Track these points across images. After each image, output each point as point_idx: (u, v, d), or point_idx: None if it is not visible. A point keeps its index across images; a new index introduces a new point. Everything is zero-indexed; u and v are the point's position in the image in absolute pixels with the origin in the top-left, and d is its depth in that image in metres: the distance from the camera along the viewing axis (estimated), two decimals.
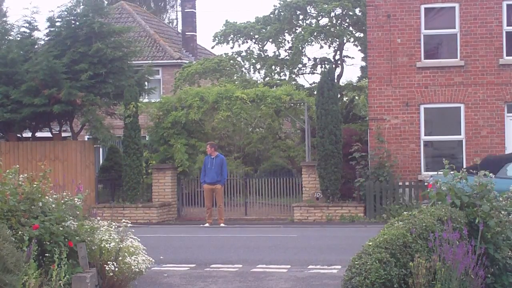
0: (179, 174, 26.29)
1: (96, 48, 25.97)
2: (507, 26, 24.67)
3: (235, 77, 33.34)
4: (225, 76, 32.78)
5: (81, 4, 27.26)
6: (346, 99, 33.65)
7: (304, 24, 32.11)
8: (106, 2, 35.09)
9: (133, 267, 11.50)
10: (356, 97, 33.27)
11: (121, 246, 11.53)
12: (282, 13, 32.02)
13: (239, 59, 33.70)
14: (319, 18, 31.79)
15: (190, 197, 27.37)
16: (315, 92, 26.60)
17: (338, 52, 33.04)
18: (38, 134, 28.58)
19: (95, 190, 26.19)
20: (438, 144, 25.36)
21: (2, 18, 28.63)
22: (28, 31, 27.71)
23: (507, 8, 24.70)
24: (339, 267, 13.63)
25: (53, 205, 10.88)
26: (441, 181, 11.08)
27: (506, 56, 24.65)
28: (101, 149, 31.93)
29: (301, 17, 32.33)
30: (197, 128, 26.85)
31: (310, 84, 32.78)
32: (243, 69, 34.38)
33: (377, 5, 25.22)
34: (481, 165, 20.83)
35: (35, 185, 10.82)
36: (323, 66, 32.49)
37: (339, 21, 32.02)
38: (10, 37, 27.71)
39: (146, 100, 29.17)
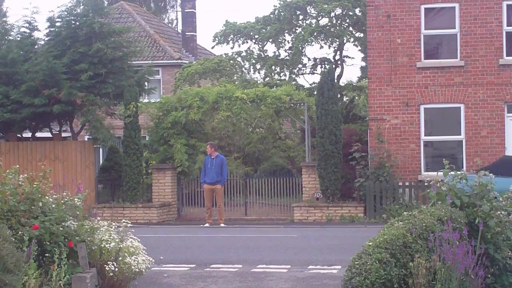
0: (179, 174, 26.29)
1: (96, 48, 25.97)
2: (507, 26, 24.67)
3: (235, 77, 33.35)
4: (225, 76, 32.77)
5: (81, 4, 27.26)
6: (346, 99, 33.66)
7: (304, 24, 32.11)
8: (106, 2, 35.09)
9: (133, 267, 11.50)
10: (356, 97, 33.28)
11: (121, 246, 11.53)
12: (282, 13, 32.01)
13: (239, 59, 33.70)
14: (319, 18, 31.79)
15: (190, 197, 27.37)
16: (315, 92, 26.60)
17: (338, 52, 33.04)
18: (38, 134, 28.57)
19: (95, 190, 26.19)
20: (438, 144, 25.35)
21: (2, 18, 28.62)
22: (28, 31, 27.71)
23: (507, 8, 24.70)
24: (339, 267, 13.63)
25: (53, 205, 10.88)
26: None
27: (506, 56, 24.65)
28: (101, 149, 31.93)
29: (301, 17, 32.33)
30: (197, 128, 26.85)
31: (310, 84, 32.77)
32: (243, 69, 34.38)
33: (377, 5, 25.22)
34: (496, 166, 20.88)
35: (35, 185, 10.83)
36: (323, 66, 32.49)
37: (339, 21, 32.02)
38: (10, 37, 27.71)
39: (146, 100, 29.17)
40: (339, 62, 32.99)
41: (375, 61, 25.26)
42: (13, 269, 8.75)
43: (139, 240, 12.14)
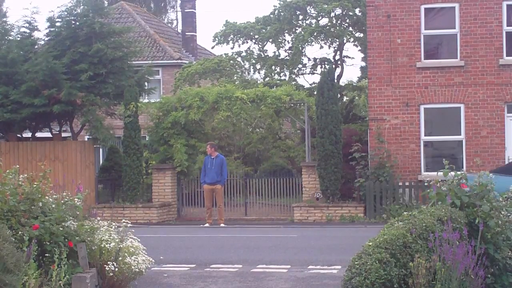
0: (179, 174, 26.30)
1: (96, 48, 25.97)
2: (507, 26, 24.67)
3: (235, 78, 33.35)
4: (225, 76, 32.77)
5: (81, 4, 27.26)
6: (346, 99, 33.66)
7: (304, 24, 32.11)
8: (106, 2, 35.12)
9: (133, 267, 11.50)
10: (356, 97, 33.27)
11: (121, 246, 11.53)
12: (282, 13, 32.02)
13: (239, 59, 33.71)
14: (319, 18, 31.79)
15: (190, 197, 27.37)
16: (315, 92, 26.60)
17: (338, 52, 33.04)
18: (38, 134, 28.57)
19: (95, 190, 26.19)
20: (438, 144, 25.35)
21: (2, 18, 28.62)
22: (28, 31, 27.71)
23: (507, 8, 24.69)
24: (339, 267, 13.63)
25: (53, 205, 10.88)
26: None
27: (506, 56, 24.65)
28: (101, 149, 31.93)
29: (301, 17, 32.33)
30: (197, 128, 26.85)
31: (310, 84, 32.78)
32: (243, 69, 34.38)
33: (377, 5, 25.22)
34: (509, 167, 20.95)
35: (35, 185, 10.83)
36: (323, 66, 32.49)
37: (339, 21, 32.02)
38: (10, 37, 27.70)
39: (146, 100, 29.17)
40: (339, 62, 33.00)
41: (375, 61, 25.26)
42: (13, 269, 8.75)
43: (139, 240, 12.14)
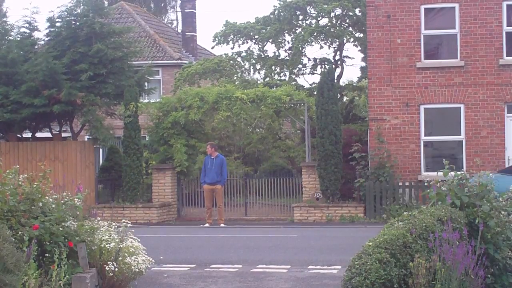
0: (179, 174, 26.30)
1: (96, 48, 25.97)
2: (507, 26, 24.66)
3: (235, 78, 33.34)
4: (225, 77, 32.77)
5: (81, 4, 27.25)
6: (346, 99, 33.66)
7: (304, 24, 32.11)
8: (106, 2, 35.11)
9: (133, 267, 11.50)
10: (356, 97, 33.28)
11: (121, 246, 11.53)
12: (282, 14, 32.02)
13: (239, 59, 33.70)
14: (319, 18, 31.79)
15: (190, 197, 27.37)
16: (315, 93, 26.60)
17: (338, 52, 33.04)
18: (38, 135, 28.56)
19: (95, 190, 26.19)
20: (438, 144, 25.35)
21: (2, 18, 28.62)
22: (28, 31, 27.70)
23: (507, 9, 24.69)
24: (339, 267, 13.63)
25: (53, 206, 10.88)
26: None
27: (506, 56, 24.64)
28: (101, 149, 31.93)
29: (301, 17, 32.33)
30: (197, 129, 26.85)
31: (310, 85, 32.78)
32: (243, 69, 34.38)
33: (377, 5, 25.22)
34: None
35: (35, 186, 10.83)
36: (323, 66, 32.49)
37: (339, 21, 32.02)
38: (10, 37, 27.70)
39: (146, 101, 29.17)
40: (339, 62, 33.00)
41: (375, 61, 25.25)
42: (13, 269, 8.75)
43: (139, 240, 12.14)
